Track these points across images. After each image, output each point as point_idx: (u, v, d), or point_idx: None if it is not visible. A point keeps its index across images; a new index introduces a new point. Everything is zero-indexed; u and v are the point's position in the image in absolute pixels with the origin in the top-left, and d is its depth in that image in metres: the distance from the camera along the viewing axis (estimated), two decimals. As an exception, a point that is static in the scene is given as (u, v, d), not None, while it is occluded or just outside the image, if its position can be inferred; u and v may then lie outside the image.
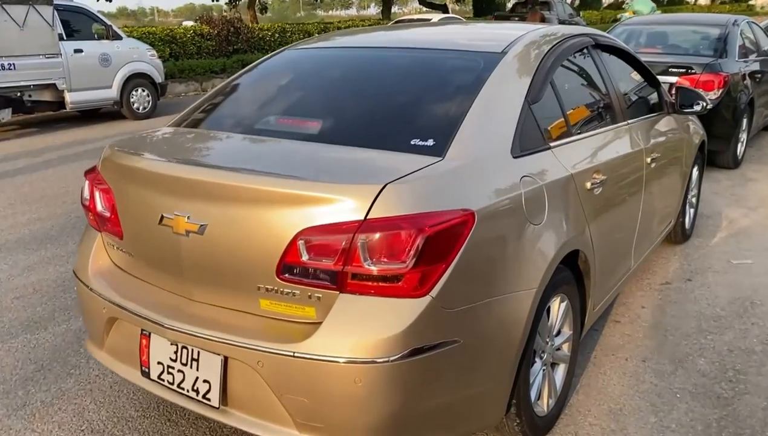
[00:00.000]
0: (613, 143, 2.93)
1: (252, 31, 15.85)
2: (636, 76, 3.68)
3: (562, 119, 2.60)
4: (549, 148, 2.40)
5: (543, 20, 7.01)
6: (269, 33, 16.29)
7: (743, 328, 3.31)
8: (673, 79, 6.18)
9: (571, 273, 2.47)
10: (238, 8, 17.87)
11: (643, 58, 6.54)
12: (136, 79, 10.46)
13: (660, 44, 7.00)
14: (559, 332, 2.52)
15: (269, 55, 3.11)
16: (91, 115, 10.96)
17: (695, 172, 4.49)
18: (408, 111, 2.33)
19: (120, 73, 10.21)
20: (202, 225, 1.96)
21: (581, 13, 28.42)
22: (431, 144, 2.08)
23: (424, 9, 26.83)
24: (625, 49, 3.52)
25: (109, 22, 10.29)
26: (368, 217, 1.78)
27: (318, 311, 1.86)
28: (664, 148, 3.55)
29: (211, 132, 2.51)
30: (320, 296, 1.84)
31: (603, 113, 3.03)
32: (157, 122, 9.54)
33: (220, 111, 2.72)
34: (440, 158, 2.01)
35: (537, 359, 2.36)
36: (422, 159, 2.00)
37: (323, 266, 1.82)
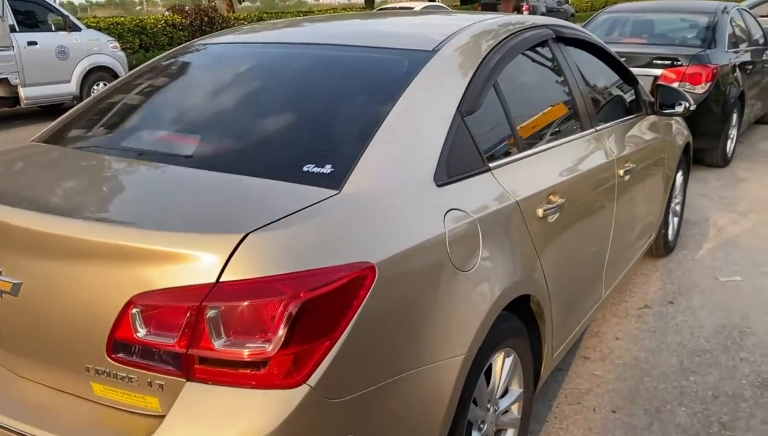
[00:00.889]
0: (575, 157, 2.47)
1: (227, 20, 15.27)
2: (609, 74, 3.21)
3: (509, 132, 2.13)
4: (488, 169, 1.93)
5: (518, 9, 6.45)
6: (245, 22, 15.69)
7: (731, 365, 2.87)
8: (658, 71, 5.72)
9: (519, 321, 2.01)
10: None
11: (626, 49, 6.13)
12: (97, 73, 9.91)
13: (645, 33, 6.53)
14: (505, 392, 2.06)
15: (170, 51, 2.62)
16: (52, 110, 10.39)
17: (679, 177, 4.03)
18: (304, 127, 1.84)
19: (79, 67, 9.65)
20: (15, 284, 1.49)
21: (569, 0, 27.92)
22: (327, 171, 1.61)
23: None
24: (596, 42, 3.04)
25: (66, 13, 9.72)
26: (221, 279, 1.31)
27: (162, 401, 1.39)
28: (642, 155, 3.08)
29: (66, 151, 2.01)
30: (162, 382, 1.38)
31: (564, 121, 2.55)
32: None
33: (90, 122, 2.22)
34: (336, 191, 1.54)
35: (475, 433, 1.90)
36: (312, 192, 1.53)
37: (162, 345, 1.35)
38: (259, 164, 1.70)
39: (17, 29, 9.00)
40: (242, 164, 1.70)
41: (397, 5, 18.18)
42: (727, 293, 3.58)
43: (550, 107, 2.52)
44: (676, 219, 4.18)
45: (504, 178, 1.97)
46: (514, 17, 2.60)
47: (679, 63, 5.68)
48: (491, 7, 21.91)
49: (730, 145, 6.29)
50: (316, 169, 1.61)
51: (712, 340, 3.08)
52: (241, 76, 2.19)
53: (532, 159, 2.17)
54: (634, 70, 5.52)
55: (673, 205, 4.02)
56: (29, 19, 9.25)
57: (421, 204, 1.66)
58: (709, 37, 6.05)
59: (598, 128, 2.70)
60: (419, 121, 1.79)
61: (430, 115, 1.83)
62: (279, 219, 1.40)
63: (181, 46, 2.61)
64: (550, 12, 22.84)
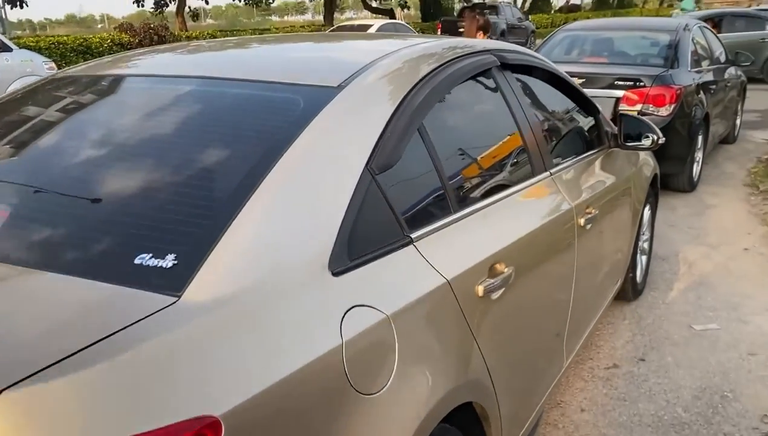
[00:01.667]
0: (526, 210, 2.04)
1: (178, 38, 14.69)
2: (565, 103, 2.80)
3: (439, 188, 1.68)
4: (409, 241, 1.48)
5: (483, 28, 6.07)
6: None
7: (714, 442, 2.46)
8: (620, 93, 5.38)
9: (456, 429, 1.56)
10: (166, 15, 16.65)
11: (586, 70, 5.77)
12: (30, 96, 9.26)
13: (606, 52, 6.22)
14: None
15: (23, 87, 2.10)
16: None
17: (647, 212, 3.65)
18: (148, 194, 1.35)
19: (10, 89, 8.99)
20: None
21: (530, 17, 28.03)
22: (168, 265, 1.13)
23: (372, 15, 25.97)
24: (549, 68, 2.63)
25: (-6, 32, 9.09)
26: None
27: None
28: (605, 197, 2.68)
29: None
30: None
31: (511, 166, 2.12)
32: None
33: None
34: (174, 299, 1.07)
35: None
36: (136, 302, 1.05)
37: None
38: (69, 251, 1.21)
39: (-61, 50, 8.35)
40: (55, 259, 1.21)
41: (356, 23, 17.84)
42: (703, 345, 3.19)
43: (493, 151, 2.08)
44: (644, 258, 3.80)
45: (431, 250, 1.51)
46: (452, 41, 2.17)
47: (641, 84, 5.36)
48: (452, 26, 21.77)
49: (696, 169, 5.98)
50: (153, 262, 1.13)
51: (691, 409, 2.67)
52: (76, 118, 1.70)
53: (470, 220, 1.72)
54: (595, 92, 5.21)
55: (641, 243, 3.63)
56: (-47, 40, 8.62)
57: (306, 306, 1.19)
58: (672, 56, 5.75)
59: (552, 171, 2.28)
60: (312, 182, 1.33)
61: (329, 173, 1.37)
62: (60, 360, 0.91)
63: (42, 79, 2.10)
64: (510, 29, 22.78)
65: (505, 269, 1.71)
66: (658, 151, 5.12)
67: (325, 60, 1.94)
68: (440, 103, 1.78)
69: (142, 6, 16.56)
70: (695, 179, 5.99)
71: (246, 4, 17.70)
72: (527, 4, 36.38)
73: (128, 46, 13.73)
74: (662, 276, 4.04)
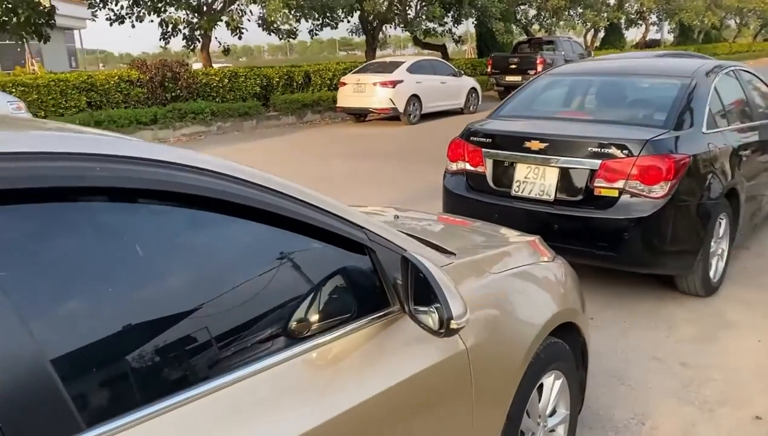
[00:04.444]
0: None
1: (194, 75, 13.99)
2: (279, 240, 1.44)
3: None
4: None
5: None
6: (216, 78, 14.39)
7: None
8: (596, 162, 3.88)
9: None
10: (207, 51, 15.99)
11: (554, 130, 4.26)
12: (-9, 138, 8.56)
13: (593, 105, 4.70)
14: None
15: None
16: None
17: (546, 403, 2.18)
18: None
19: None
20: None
21: (593, 53, 26.21)
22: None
23: (419, 51, 24.80)
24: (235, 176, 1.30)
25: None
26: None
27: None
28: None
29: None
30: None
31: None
32: None
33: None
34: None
35: None
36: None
37: None
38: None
39: None
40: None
41: (387, 60, 16.75)
42: None
43: None
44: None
45: None
46: None
47: (626, 152, 3.83)
48: (503, 62, 20.31)
49: (716, 266, 4.32)
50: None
51: None
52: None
53: None
54: (563, 162, 3.84)
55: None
56: None
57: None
58: (680, 111, 4.15)
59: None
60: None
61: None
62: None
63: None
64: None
65: None
66: (650, 243, 3.87)
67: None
68: None
69: (168, 44, 16.08)
70: (715, 280, 4.32)
71: (281, 39, 16.98)
72: (598, 39, 34.38)
73: (138, 84, 13.12)
74: (598, 475, 2.51)
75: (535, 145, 4.08)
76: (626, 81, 4.74)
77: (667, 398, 3.07)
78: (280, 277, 1.46)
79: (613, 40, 34.67)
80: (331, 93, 16.09)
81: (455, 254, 1.95)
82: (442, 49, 24.51)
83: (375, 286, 1.57)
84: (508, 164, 4.30)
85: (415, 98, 14.72)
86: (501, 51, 23.02)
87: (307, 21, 17.21)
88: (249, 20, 16.79)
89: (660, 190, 3.78)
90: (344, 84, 14.81)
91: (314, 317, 1.45)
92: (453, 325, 1.38)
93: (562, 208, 4.04)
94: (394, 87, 14.28)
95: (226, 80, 14.65)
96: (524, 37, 26.97)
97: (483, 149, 4.40)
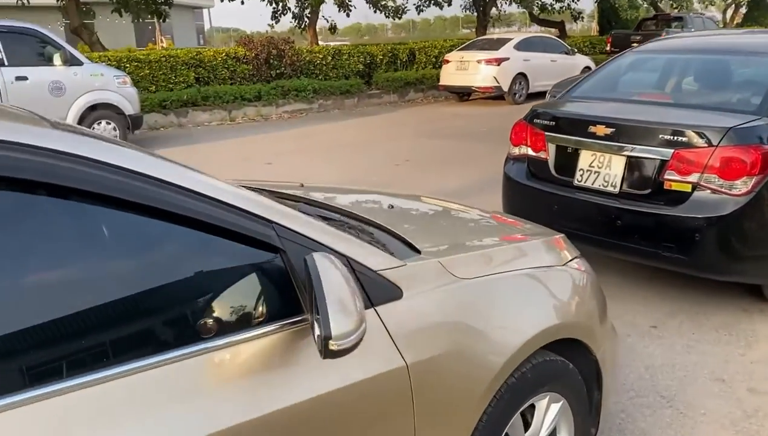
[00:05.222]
0: None
1: (298, 53, 14.18)
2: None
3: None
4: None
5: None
6: (320, 56, 14.52)
7: None
8: (668, 152, 3.41)
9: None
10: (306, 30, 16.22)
11: (632, 115, 3.77)
12: (99, 111, 9.11)
13: (676, 86, 4.15)
14: None
15: None
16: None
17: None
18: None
19: (76, 104, 8.88)
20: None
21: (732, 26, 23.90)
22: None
23: (542, 28, 23.76)
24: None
25: (65, 45, 9.01)
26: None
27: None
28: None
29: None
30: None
31: None
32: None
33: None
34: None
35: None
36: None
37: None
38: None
39: (5, 63, 8.41)
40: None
41: (494, 36, 16.12)
42: None
43: None
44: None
45: None
46: None
47: (704, 140, 3.34)
48: (624, 40, 18.98)
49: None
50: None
51: None
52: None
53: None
54: (629, 150, 3.48)
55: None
56: (21, 53, 8.64)
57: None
58: (777, 95, 3.58)
59: None
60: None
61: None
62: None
63: None
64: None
65: None
66: (727, 246, 3.45)
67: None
68: None
69: (278, 22, 16.42)
70: (815, 292, 3.72)
71: (387, 17, 16.87)
72: (739, 15, 31.36)
73: (244, 61, 13.49)
74: None
75: (601, 130, 3.66)
76: (722, 60, 4.15)
77: (720, 430, 2.65)
78: (170, 276, 1.31)
79: (757, 16, 31.45)
80: (435, 71, 15.76)
81: (420, 253, 1.72)
82: (560, 26, 23.33)
83: (290, 289, 1.38)
84: (572, 151, 3.90)
85: (521, 77, 14.09)
86: (625, 28, 21.59)
87: (413, -3, 16.93)
88: (357, -3, 16.77)
89: (742, 186, 3.27)
90: (447, 61, 14.44)
91: (208, 321, 1.30)
92: (332, 346, 1.16)
93: (627, 202, 3.61)
94: (498, 65, 13.74)
95: (330, 58, 14.73)
96: (651, 14, 25.10)
97: (546, 133, 4.02)
